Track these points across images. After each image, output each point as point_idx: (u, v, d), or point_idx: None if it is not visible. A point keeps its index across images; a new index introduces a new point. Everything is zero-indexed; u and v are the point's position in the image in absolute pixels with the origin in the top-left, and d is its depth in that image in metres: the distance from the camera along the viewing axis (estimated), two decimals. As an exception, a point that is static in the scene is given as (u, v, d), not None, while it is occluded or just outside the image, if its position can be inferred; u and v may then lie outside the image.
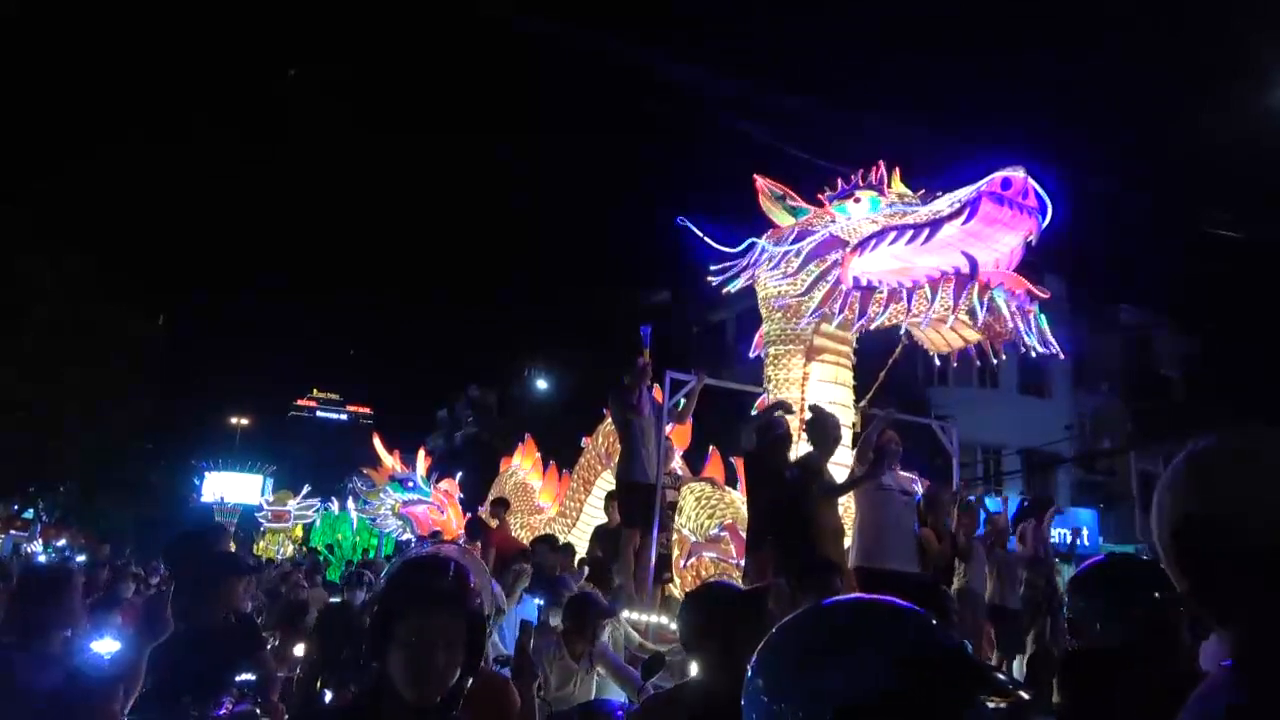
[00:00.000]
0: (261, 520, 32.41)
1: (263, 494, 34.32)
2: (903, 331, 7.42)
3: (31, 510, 30.55)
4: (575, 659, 4.77)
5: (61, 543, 30.16)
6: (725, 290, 8.21)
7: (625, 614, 6.42)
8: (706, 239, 8.08)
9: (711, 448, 9.42)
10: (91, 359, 23.74)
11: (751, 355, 8.45)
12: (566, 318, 36.27)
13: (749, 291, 8.32)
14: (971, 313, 6.51)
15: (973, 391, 23.92)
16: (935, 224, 6.56)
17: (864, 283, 7.03)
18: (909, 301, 6.79)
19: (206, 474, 38.51)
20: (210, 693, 3.61)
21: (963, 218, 6.37)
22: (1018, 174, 6.34)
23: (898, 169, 7.63)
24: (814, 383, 7.51)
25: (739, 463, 8.43)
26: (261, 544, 31.00)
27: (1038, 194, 6.45)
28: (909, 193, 7.48)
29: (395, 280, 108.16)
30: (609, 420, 10.65)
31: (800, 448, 6.56)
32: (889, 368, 8.20)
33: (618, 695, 4.72)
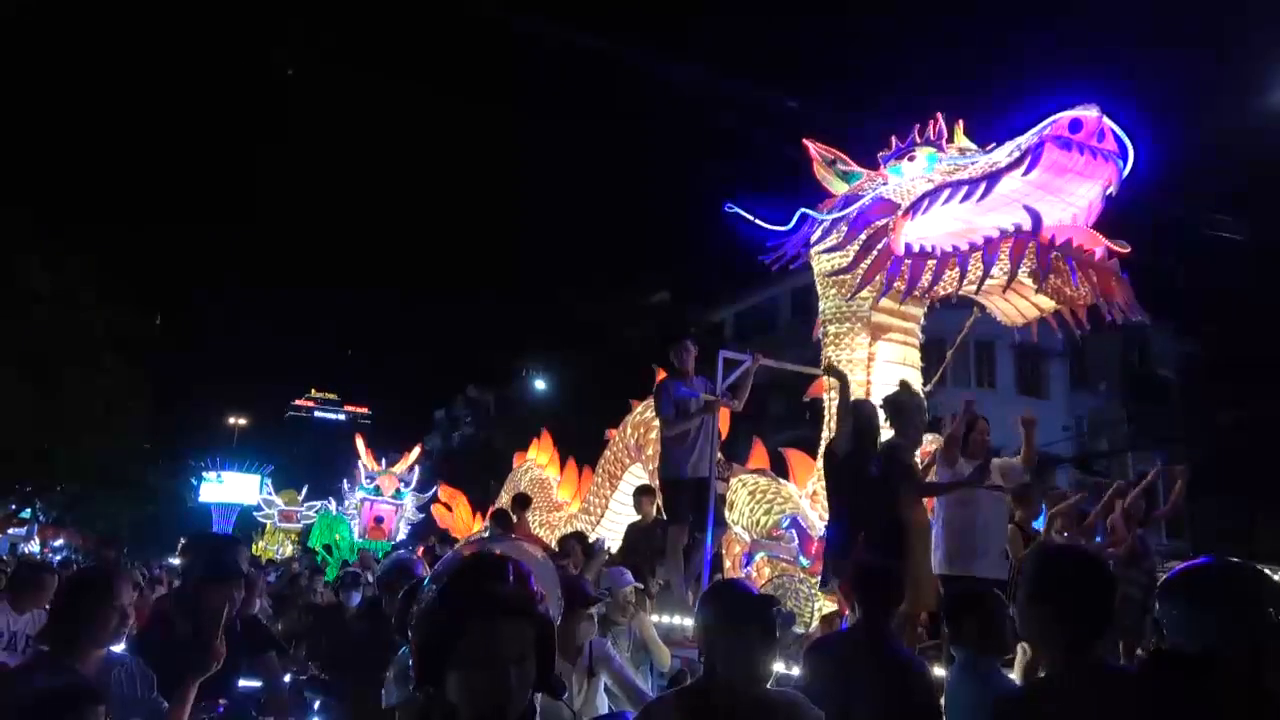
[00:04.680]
0: (265, 520, 32.40)
1: (260, 493, 34.25)
2: (974, 304, 6.74)
3: (29, 510, 30.47)
4: (565, 655, 4.13)
5: (59, 542, 30.10)
6: (780, 268, 7.52)
7: (677, 620, 5.83)
8: (758, 221, 7.39)
9: (755, 438, 8.76)
10: (90, 360, 23.69)
11: (815, 339, 7.81)
12: (565, 318, 36.20)
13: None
14: (1033, 275, 5.72)
15: (970, 392, 23.85)
16: (992, 177, 5.80)
17: (916, 249, 6.33)
18: (963, 266, 6.03)
19: (204, 474, 38.37)
20: (205, 695, 3.60)
21: (1023, 168, 5.62)
22: (1090, 114, 5.54)
23: (960, 122, 6.85)
24: (880, 364, 6.87)
25: (789, 454, 7.96)
26: (260, 544, 30.92)
27: (1115, 135, 5.64)
28: (972, 146, 6.64)
29: (393, 281, 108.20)
30: (637, 411, 10.19)
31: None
32: (956, 346, 7.65)
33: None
